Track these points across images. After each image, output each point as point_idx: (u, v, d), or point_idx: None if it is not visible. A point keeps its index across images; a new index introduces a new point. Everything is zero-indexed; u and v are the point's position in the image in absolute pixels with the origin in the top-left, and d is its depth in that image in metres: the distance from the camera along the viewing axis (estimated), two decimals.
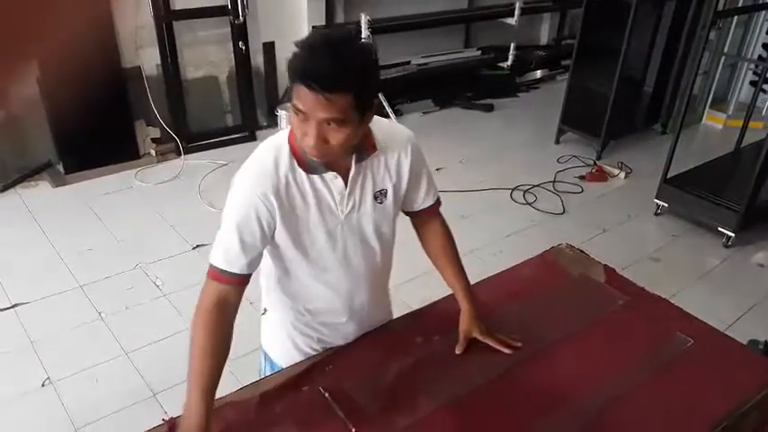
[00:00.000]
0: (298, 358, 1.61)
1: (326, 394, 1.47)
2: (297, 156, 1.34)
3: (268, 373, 1.67)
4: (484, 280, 1.91)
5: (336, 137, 1.24)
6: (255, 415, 1.44)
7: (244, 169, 1.38)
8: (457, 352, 1.59)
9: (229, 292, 1.37)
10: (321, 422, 1.43)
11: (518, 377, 1.56)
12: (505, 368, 1.57)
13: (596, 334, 1.71)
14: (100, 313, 2.98)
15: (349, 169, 1.38)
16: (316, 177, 1.36)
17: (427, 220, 1.64)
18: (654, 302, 1.85)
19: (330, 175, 1.37)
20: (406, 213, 1.61)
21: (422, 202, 1.58)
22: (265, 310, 1.69)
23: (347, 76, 1.19)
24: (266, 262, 1.51)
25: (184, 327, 2.90)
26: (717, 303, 3.15)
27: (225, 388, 1.54)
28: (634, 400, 1.50)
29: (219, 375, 1.34)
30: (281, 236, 1.39)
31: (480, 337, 1.60)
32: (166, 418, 1.43)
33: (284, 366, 1.62)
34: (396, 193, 1.49)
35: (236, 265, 1.36)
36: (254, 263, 1.39)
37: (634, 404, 1.49)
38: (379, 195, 1.45)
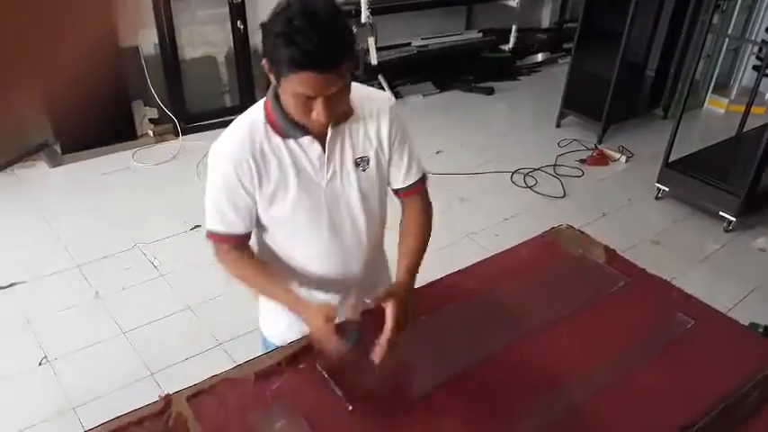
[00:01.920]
0: (293, 337, 1.58)
1: (324, 372, 1.46)
2: (271, 122, 1.35)
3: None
4: (483, 260, 1.89)
5: (342, 102, 1.28)
6: (252, 393, 1.43)
7: (219, 140, 1.39)
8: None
9: (237, 245, 1.45)
10: (318, 400, 1.42)
11: (517, 356, 1.55)
12: (504, 347, 1.56)
13: (597, 314, 1.69)
14: (97, 292, 2.97)
15: (326, 134, 1.36)
16: (291, 142, 1.36)
17: (407, 200, 1.56)
18: (654, 284, 1.84)
19: (306, 140, 1.36)
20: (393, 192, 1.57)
21: (403, 179, 1.51)
22: None
23: (344, 46, 1.21)
24: (257, 240, 1.52)
25: (181, 307, 2.90)
26: (717, 287, 3.14)
27: (221, 368, 1.54)
28: (635, 380, 1.49)
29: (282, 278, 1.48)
30: (263, 206, 1.40)
31: (388, 308, 1.37)
32: (162, 395, 1.41)
33: (285, 341, 1.59)
34: (378, 161, 1.45)
35: (235, 226, 1.42)
36: (250, 221, 1.43)
37: (635, 384, 1.48)
38: (361, 162, 1.42)
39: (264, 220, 1.45)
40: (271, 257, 1.54)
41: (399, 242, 1.53)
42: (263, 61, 1.26)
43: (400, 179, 1.51)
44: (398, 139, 1.45)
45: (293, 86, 1.21)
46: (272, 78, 1.26)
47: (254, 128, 1.35)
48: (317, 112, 1.24)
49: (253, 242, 1.52)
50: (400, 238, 1.53)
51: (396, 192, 1.54)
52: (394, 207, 1.59)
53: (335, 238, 1.48)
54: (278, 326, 1.66)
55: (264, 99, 1.37)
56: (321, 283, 1.55)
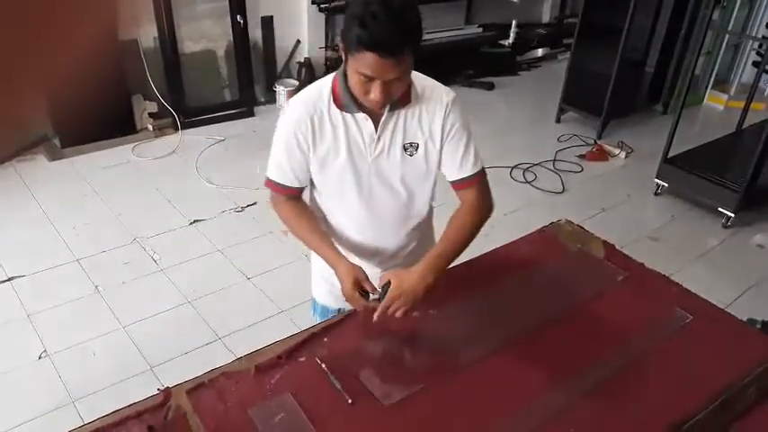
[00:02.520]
0: (330, 303, 1.76)
1: (323, 365, 1.47)
2: (335, 93, 1.46)
3: (317, 319, 1.79)
4: (481, 255, 1.90)
5: (399, 88, 1.38)
6: (251, 386, 1.43)
7: (292, 99, 1.53)
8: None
9: (290, 197, 1.57)
10: (318, 393, 1.42)
11: (516, 351, 1.55)
12: (505, 341, 1.56)
13: (595, 309, 1.70)
14: (97, 287, 2.97)
15: (381, 115, 1.46)
16: (348, 116, 1.47)
17: (460, 193, 1.60)
18: (653, 278, 1.84)
19: (361, 116, 1.46)
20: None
21: (456, 172, 1.56)
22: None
23: (411, 38, 1.31)
24: (309, 197, 1.65)
25: (181, 301, 2.90)
26: (715, 283, 3.14)
27: (221, 362, 1.54)
28: (633, 375, 1.49)
29: (327, 233, 1.59)
30: (315, 167, 1.52)
31: (395, 303, 1.44)
32: (162, 389, 1.42)
33: (326, 306, 1.79)
34: (427, 150, 1.52)
35: (290, 178, 1.54)
36: (303, 177, 1.54)
37: (633, 378, 1.48)
38: (409, 147, 1.51)
39: (315, 180, 1.57)
40: (318, 216, 1.66)
41: (447, 228, 1.58)
42: (338, 38, 1.38)
43: (453, 172, 1.56)
44: (453, 133, 1.51)
45: (357, 65, 1.32)
46: (343, 55, 1.37)
47: (320, 95, 1.47)
48: (375, 94, 1.34)
49: (306, 197, 1.65)
50: (446, 227, 1.58)
51: (451, 183, 1.59)
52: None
53: (373, 210, 1.58)
54: (320, 288, 1.81)
55: (334, 74, 1.47)
56: (357, 250, 1.66)
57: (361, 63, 1.31)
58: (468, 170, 1.55)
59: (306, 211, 1.60)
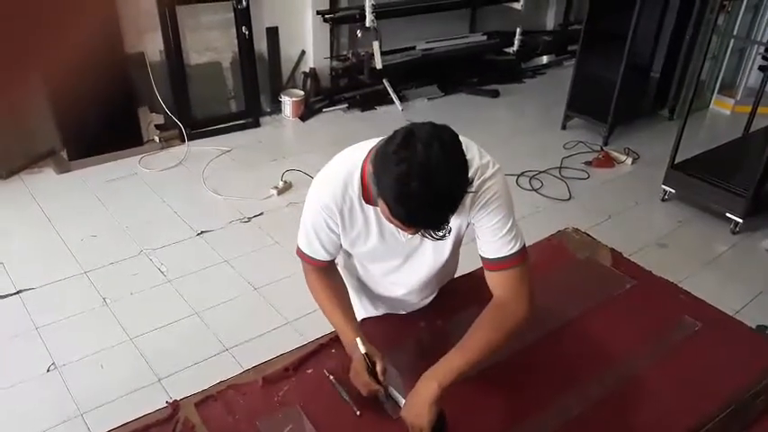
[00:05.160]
0: (361, 313, 1.73)
1: (331, 377, 1.46)
2: (364, 187, 1.34)
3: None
4: None
5: None
6: (259, 398, 1.43)
7: (319, 176, 1.41)
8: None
9: (319, 267, 1.53)
10: (326, 405, 1.42)
11: (525, 360, 1.54)
12: (513, 351, 1.56)
13: (604, 317, 1.69)
14: (105, 299, 2.98)
15: None
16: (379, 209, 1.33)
17: (488, 275, 1.42)
18: (661, 286, 1.84)
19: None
20: None
21: (484, 250, 1.40)
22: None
23: (450, 213, 1.17)
24: (343, 254, 1.63)
25: (188, 312, 2.91)
26: (724, 290, 3.12)
27: (229, 373, 1.54)
28: (642, 383, 1.48)
29: (352, 309, 1.55)
30: (346, 244, 1.48)
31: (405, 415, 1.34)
32: (170, 401, 1.42)
33: None
34: (459, 229, 1.45)
35: (320, 253, 1.48)
36: (334, 248, 1.49)
37: (642, 386, 1.47)
38: (436, 238, 1.34)
39: (345, 247, 1.52)
40: (350, 271, 1.71)
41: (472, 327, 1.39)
42: (371, 158, 1.23)
43: (482, 248, 1.41)
44: (483, 210, 1.34)
45: (387, 216, 1.21)
46: (373, 179, 1.19)
47: (350, 182, 1.35)
48: (405, 231, 1.29)
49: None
50: (470, 331, 1.37)
51: (482, 260, 1.43)
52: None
53: (405, 274, 1.56)
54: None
55: (366, 155, 1.32)
56: (385, 300, 1.71)
57: (396, 221, 1.20)
58: (495, 251, 1.37)
59: (333, 283, 1.56)
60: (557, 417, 1.39)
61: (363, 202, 1.36)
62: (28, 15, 0.34)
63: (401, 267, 1.54)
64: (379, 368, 1.38)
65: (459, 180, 1.15)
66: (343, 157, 1.40)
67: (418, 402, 1.30)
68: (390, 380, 1.44)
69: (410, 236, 1.41)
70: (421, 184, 1.09)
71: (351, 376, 1.42)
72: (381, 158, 1.17)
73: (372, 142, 1.33)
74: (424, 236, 1.30)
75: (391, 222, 1.23)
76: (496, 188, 1.34)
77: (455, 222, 1.41)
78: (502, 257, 1.37)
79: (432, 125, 1.17)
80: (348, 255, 1.64)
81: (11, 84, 0.36)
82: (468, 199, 1.30)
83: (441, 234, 1.26)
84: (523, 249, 1.39)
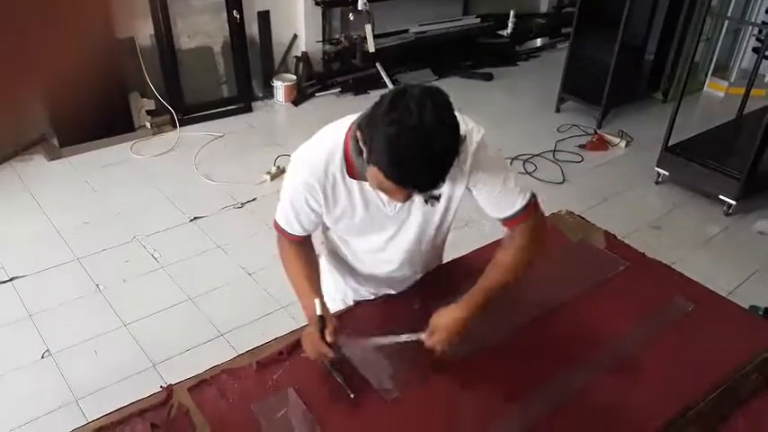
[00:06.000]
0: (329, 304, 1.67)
1: (325, 360, 1.46)
2: (348, 161, 1.33)
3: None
4: (483, 247, 1.89)
5: None
6: (253, 382, 1.43)
7: (299, 153, 1.39)
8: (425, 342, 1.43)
9: (294, 241, 1.51)
10: (320, 388, 1.42)
11: (518, 341, 1.55)
12: (507, 333, 1.56)
13: (597, 299, 1.69)
14: (98, 285, 2.97)
15: None
16: (365, 183, 1.34)
17: (508, 229, 1.46)
18: (655, 268, 1.84)
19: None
20: None
21: (498, 213, 1.43)
22: (319, 255, 1.68)
23: (446, 172, 1.16)
24: (323, 229, 1.61)
25: (182, 298, 2.90)
26: (717, 271, 3.14)
27: (223, 358, 1.54)
28: (635, 363, 1.49)
29: (319, 280, 1.51)
30: (329, 221, 1.47)
31: (431, 338, 1.41)
32: (164, 386, 1.42)
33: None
34: (450, 197, 1.42)
35: (296, 229, 1.47)
36: (312, 226, 1.49)
37: (635, 366, 1.48)
38: (430, 199, 1.39)
39: (330, 226, 1.53)
40: (331, 247, 1.67)
41: (489, 265, 1.46)
42: (356, 127, 1.22)
43: (495, 213, 1.43)
44: (481, 178, 1.37)
45: (380, 181, 1.18)
46: (363, 147, 1.19)
47: (332, 158, 1.33)
48: (396, 198, 1.24)
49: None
50: (492, 261, 1.46)
51: (498, 220, 1.46)
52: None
53: (391, 249, 1.54)
54: (329, 287, 1.70)
55: (348, 130, 1.32)
56: (370, 279, 1.67)
57: (387, 185, 1.17)
58: (509, 208, 1.40)
59: (304, 254, 1.52)
60: (551, 397, 1.40)
61: (347, 176, 1.35)
62: (24, 12, 0.33)
63: (389, 242, 1.51)
64: (329, 329, 1.36)
65: (453, 139, 1.14)
66: (323, 134, 1.39)
67: (450, 326, 1.38)
68: (345, 350, 1.46)
69: (398, 207, 1.40)
70: (416, 143, 1.09)
71: (302, 338, 1.44)
72: (369, 123, 1.16)
73: (352, 117, 1.33)
74: (421, 200, 1.33)
75: (382, 190, 1.22)
76: (490, 151, 1.37)
77: (447, 188, 1.39)
78: (518, 211, 1.40)
79: (423, 86, 1.16)
80: (333, 238, 1.62)
81: (10, 81, 0.36)
82: (466, 164, 1.32)
83: (437, 194, 1.28)
84: (533, 197, 1.43)
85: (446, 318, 1.40)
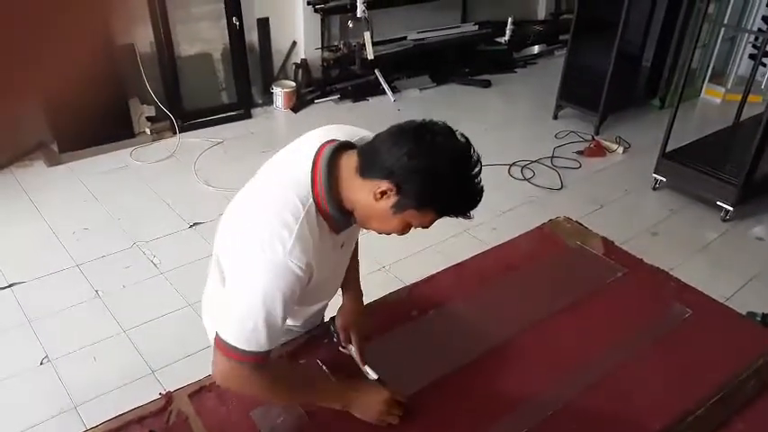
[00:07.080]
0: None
1: (324, 367, 1.47)
2: (323, 214, 1.18)
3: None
4: (481, 253, 1.90)
5: None
6: None
7: (268, 242, 1.12)
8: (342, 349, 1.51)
9: (259, 364, 1.20)
10: None
11: (517, 348, 1.55)
12: (504, 338, 1.57)
13: (595, 304, 1.70)
14: (97, 291, 2.97)
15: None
16: (342, 234, 1.27)
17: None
18: (652, 274, 1.85)
19: (354, 227, 1.31)
20: None
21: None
22: None
23: None
24: None
25: (182, 305, 2.90)
26: (715, 277, 3.15)
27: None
28: (634, 369, 1.50)
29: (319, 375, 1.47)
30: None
31: (352, 337, 1.49)
32: (164, 393, 1.42)
33: None
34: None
35: (273, 342, 1.19)
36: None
37: (634, 373, 1.49)
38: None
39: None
40: None
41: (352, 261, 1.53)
42: (387, 183, 1.10)
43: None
44: None
45: (416, 219, 1.16)
46: (385, 203, 1.13)
47: (311, 228, 1.15)
48: (403, 232, 1.21)
49: None
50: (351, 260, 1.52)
51: None
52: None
53: (332, 287, 1.49)
54: None
55: (309, 192, 1.16)
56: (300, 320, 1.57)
57: (425, 219, 1.16)
58: None
59: (285, 368, 1.41)
60: (548, 404, 1.40)
61: (327, 232, 1.21)
62: (23, 18, 0.34)
63: (329, 281, 1.42)
64: (395, 390, 1.37)
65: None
66: (280, 212, 1.15)
67: (358, 321, 1.52)
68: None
69: (342, 249, 1.36)
70: (470, 169, 1.12)
71: (365, 409, 1.34)
72: (401, 169, 1.09)
73: (275, 190, 1.21)
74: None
75: (404, 229, 1.19)
76: None
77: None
78: None
79: (425, 121, 1.16)
80: None
81: (9, 88, 0.36)
82: None
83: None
84: None
85: (351, 315, 1.53)
